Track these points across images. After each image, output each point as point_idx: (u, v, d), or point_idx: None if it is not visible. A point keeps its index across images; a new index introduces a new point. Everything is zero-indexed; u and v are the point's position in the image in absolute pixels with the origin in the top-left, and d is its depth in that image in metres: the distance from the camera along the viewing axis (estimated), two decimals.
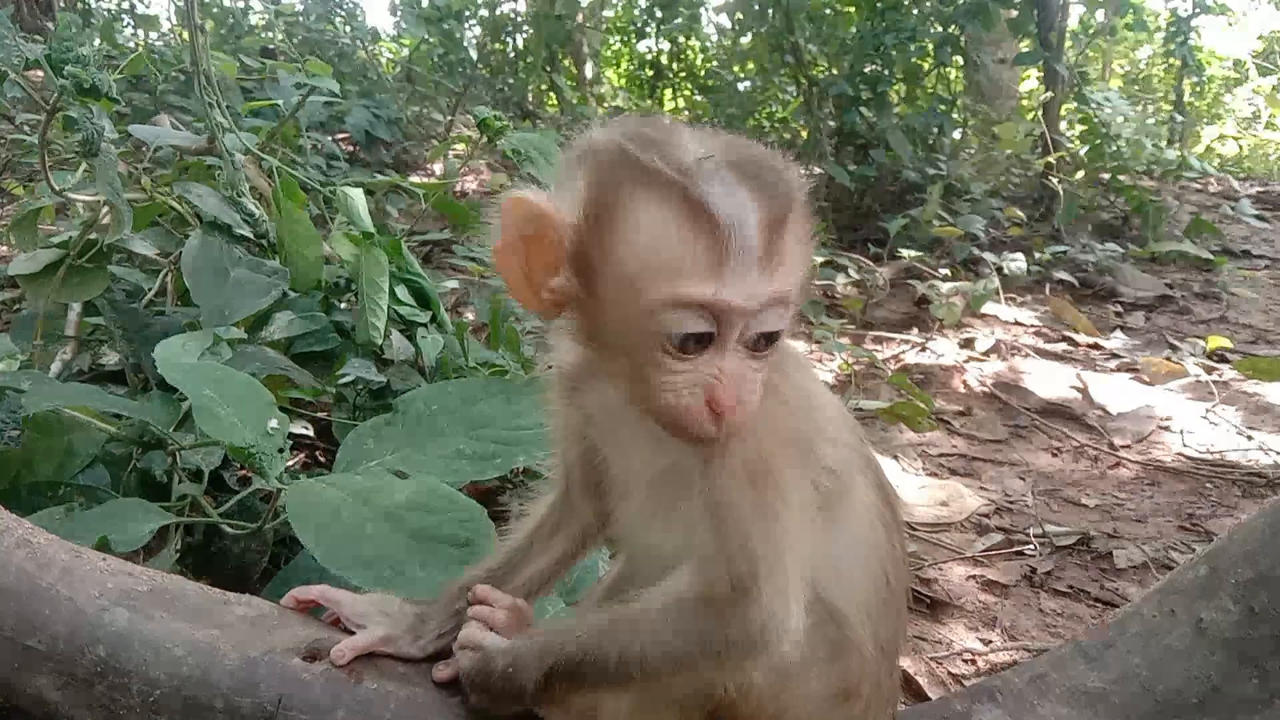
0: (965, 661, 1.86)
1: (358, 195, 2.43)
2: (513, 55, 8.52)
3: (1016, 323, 4.28)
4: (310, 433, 2.12)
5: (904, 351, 3.85)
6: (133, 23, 7.69)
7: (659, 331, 0.82)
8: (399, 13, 8.35)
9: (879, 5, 5.71)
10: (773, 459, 0.90)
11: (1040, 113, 5.61)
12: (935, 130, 5.71)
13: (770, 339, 0.85)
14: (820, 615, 0.97)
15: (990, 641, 1.93)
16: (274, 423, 1.43)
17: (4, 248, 3.50)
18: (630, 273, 0.82)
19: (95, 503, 1.46)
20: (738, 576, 0.88)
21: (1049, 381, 3.46)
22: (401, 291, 2.34)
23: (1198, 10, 6.26)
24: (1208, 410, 3.17)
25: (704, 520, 0.90)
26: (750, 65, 7.37)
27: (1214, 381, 3.43)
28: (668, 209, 0.79)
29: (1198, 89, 8.68)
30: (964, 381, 3.53)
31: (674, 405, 0.85)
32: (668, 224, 0.79)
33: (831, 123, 5.68)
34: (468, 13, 7.61)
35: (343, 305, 2.35)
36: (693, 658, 0.91)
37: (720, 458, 0.88)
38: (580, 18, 8.70)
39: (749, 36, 7.17)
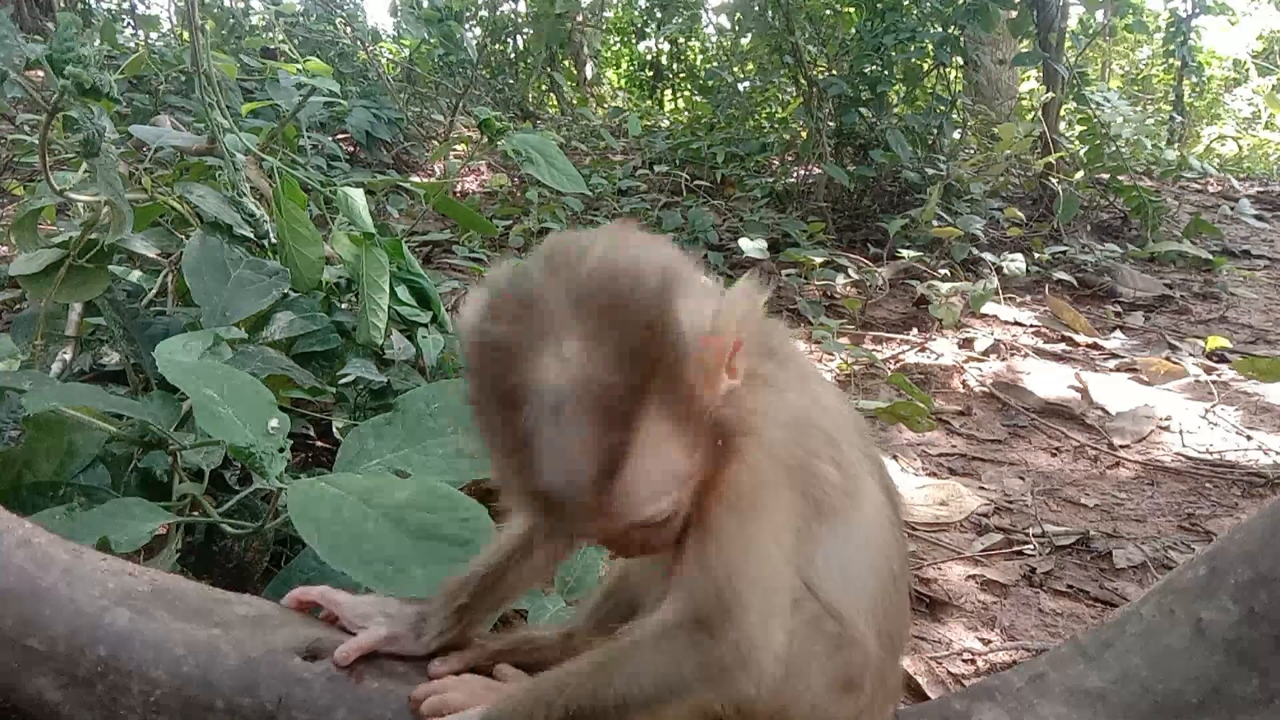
0: (965, 661, 1.86)
1: (358, 195, 2.43)
2: (513, 56, 8.53)
3: (1016, 323, 4.28)
4: (311, 432, 2.12)
5: (903, 351, 3.85)
6: (133, 23, 7.70)
7: None
8: (399, 13, 8.35)
9: (879, 5, 5.71)
10: (763, 486, 0.90)
11: (1040, 113, 5.61)
12: (935, 130, 5.71)
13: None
14: (818, 612, 0.98)
15: (990, 641, 1.93)
16: (274, 422, 1.43)
17: (4, 248, 3.50)
18: (492, 466, 0.82)
19: (96, 503, 1.46)
20: (724, 602, 0.89)
21: (1048, 381, 3.46)
22: (402, 291, 2.34)
23: (1198, 10, 6.26)
24: (1207, 410, 3.18)
25: (692, 549, 0.91)
26: (750, 65, 7.38)
27: (1213, 381, 3.43)
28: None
29: (1197, 89, 8.68)
30: (963, 381, 3.53)
31: None
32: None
33: (831, 123, 5.67)
34: (468, 13, 7.61)
35: (343, 305, 2.36)
36: (688, 683, 0.92)
37: (711, 489, 0.89)
38: (580, 18, 8.70)
39: (749, 36, 7.17)
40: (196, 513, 1.56)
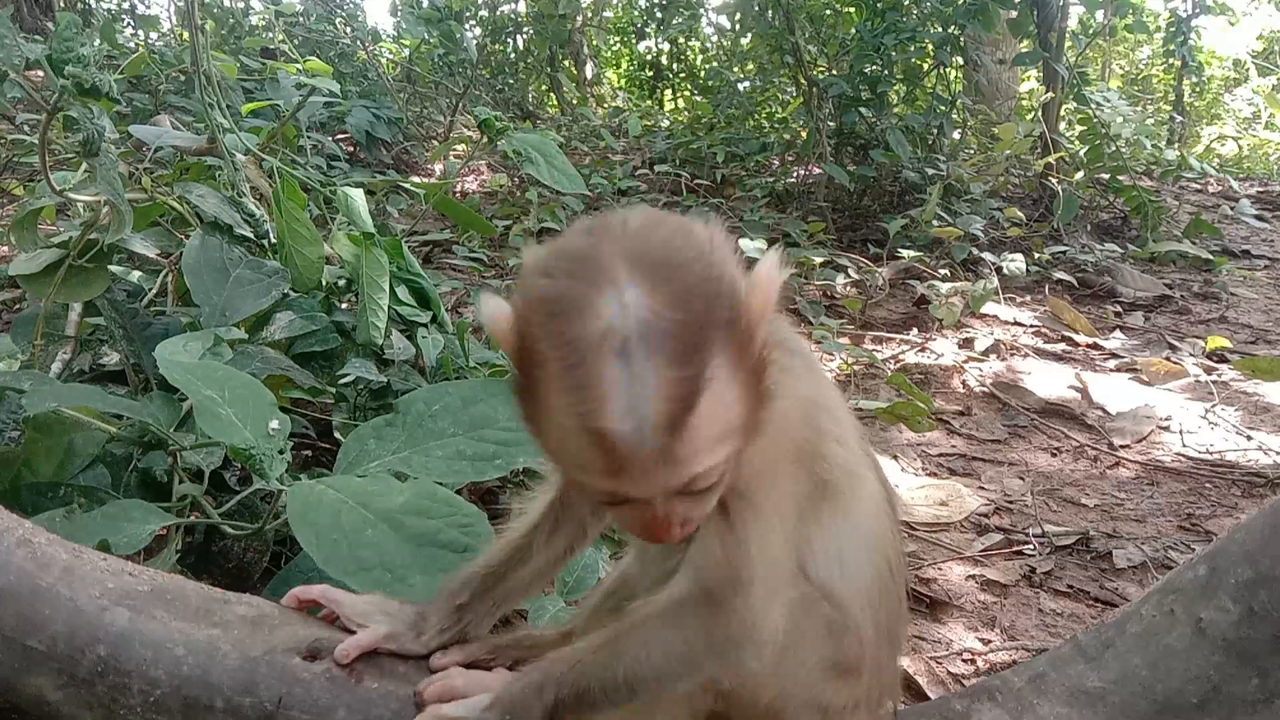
0: (965, 661, 1.86)
1: (358, 195, 2.43)
2: (513, 56, 8.53)
3: (1016, 323, 4.28)
4: (311, 433, 2.12)
5: (903, 351, 3.85)
6: (133, 23, 7.71)
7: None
8: (399, 13, 8.35)
9: (879, 5, 5.71)
10: (773, 468, 0.91)
11: (1040, 113, 5.61)
12: (935, 130, 5.71)
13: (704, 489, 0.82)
14: (814, 595, 0.99)
15: (990, 641, 1.93)
16: (275, 423, 1.43)
17: (4, 248, 3.50)
18: (546, 445, 0.82)
19: (96, 503, 1.46)
20: (734, 577, 0.90)
21: (1048, 381, 3.46)
22: (402, 291, 2.34)
23: (1198, 10, 6.26)
24: (1207, 410, 3.17)
25: (705, 525, 0.91)
26: (750, 65, 7.38)
27: (1213, 381, 3.43)
28: (566, 409, 0.74)
29: (1197, 89, 8.69)
30: (963, 381, 3.53)
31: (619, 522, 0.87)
32: (567, 423, 0.75)
33: (831, 123, 5.68)
34: (468, 13, 7.61)
35: (343, 305, 2.36)
36: (697, 657, 0.93)
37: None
38: (581, 19, 8.70)
39: (749, 36, 7.17)
40: (196, 514, 1.55)
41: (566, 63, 9.06)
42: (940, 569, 2.20)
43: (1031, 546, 2.30)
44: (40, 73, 1.83)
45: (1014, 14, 5.52)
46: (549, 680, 0.94)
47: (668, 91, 9.70)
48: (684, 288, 0.74)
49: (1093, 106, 5.51)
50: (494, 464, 1.50)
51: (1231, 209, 6.18)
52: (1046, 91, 5.64)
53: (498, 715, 0.96)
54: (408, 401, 1.60)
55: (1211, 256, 5.15)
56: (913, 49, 5.62)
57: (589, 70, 9.90)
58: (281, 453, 1.41)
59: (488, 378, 2.10)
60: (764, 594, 0.91)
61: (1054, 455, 2.93)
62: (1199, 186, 7.00)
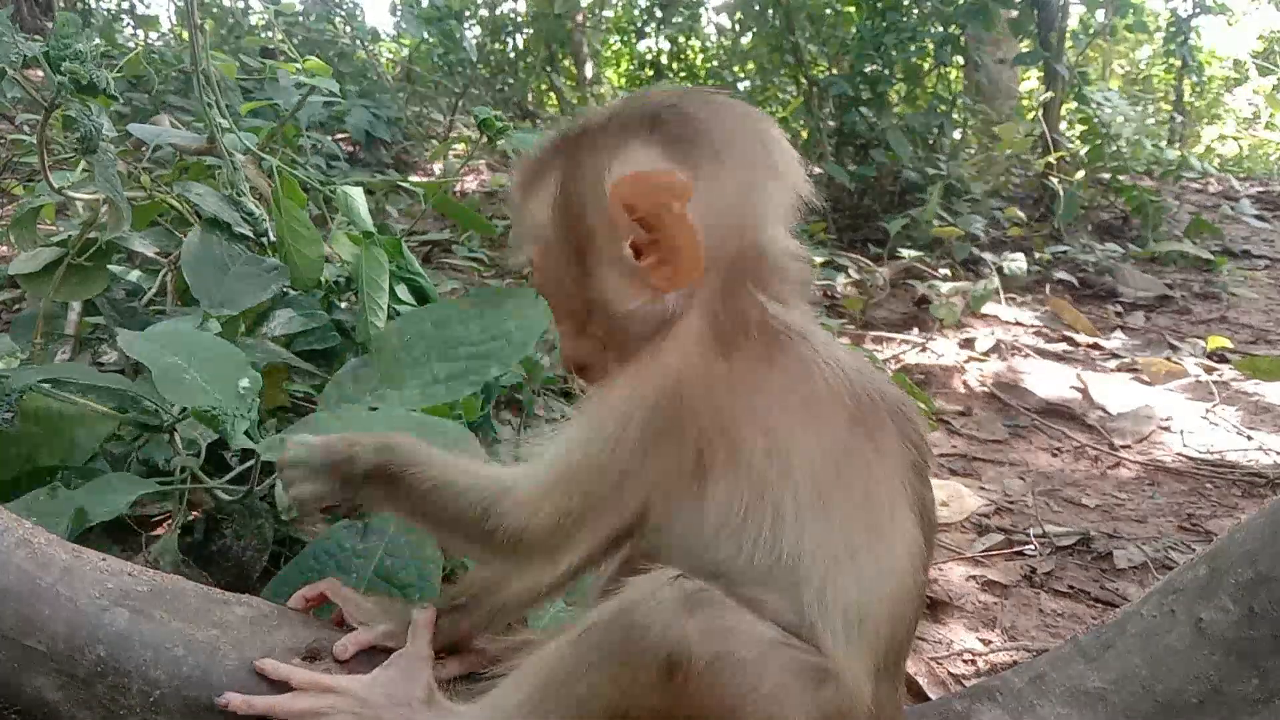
0: (965, 661, 1.86)
1: (358, 195, 2.43)
2: (513, 55, 8.52)
3: (1016, 323, 4.28)
4: None
5: (904, 351, 3.85)
6: (132, 23, 7.69)
7: None
8: (399, 13, 8.34)
9: (879, 5, 5.71)
10: (624, 397, 0.93)
11: (1040, 113, 5.61)
12: (935, 130, 5.70)
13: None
14: (826, 669, 0.92)
15: (990, 641, 1.93)
16: (245, 382, 1.39)
17: (4, 247, 3.50)
18: None
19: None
20: (532, 467, 0.97)
21: (1049, 381, 3.46)
22: (402, 291, 2.34)
23: (1198, 10, 6.26)
24: (1208, 410, 3.17)
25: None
26: (750, 65, 7.37)
27: (1214, 381, 3.42)
28: None
29: (1198, 89, 8.69)
30: (964, 381, 3.53)
31: None
32: None
33: (831, 123, 5.67)
34: (468, 13, 7.60)
35: (343, 304, 2.35)
36: (476, 509, 0.98)
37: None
38: (580, 18, 8.70)
39: (749, 36, 7.17)
40: (193, 497, 1.54)
41: (566, 62, 9.05)
42: (940, 569, 2.20)
43: (1032, 547, 2.30)
44: (40, 72, 1.83)
45: (1014, 14, 5.52)
46: (344, 440, 1.07)
47: None
48: (583, 133, 1.04)
49: (1093, 106, 5.51)
50: (468, 380, 1.50)
51: (1232, 209, 6.18)
52: (1047, 91, 5.64)
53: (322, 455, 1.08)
54: (381, 338, 1.60)
55: (1212, 256, 5.14)
56: (913, 49, 5.62)
57: (589, 70, 9.89)
58: (251, 411, 1.37)
59: (461, 297, 2.09)
60: (542, 492, 0.94)
61: (1054, 455, 2.93)
62: (1199, 186, 7.00)
